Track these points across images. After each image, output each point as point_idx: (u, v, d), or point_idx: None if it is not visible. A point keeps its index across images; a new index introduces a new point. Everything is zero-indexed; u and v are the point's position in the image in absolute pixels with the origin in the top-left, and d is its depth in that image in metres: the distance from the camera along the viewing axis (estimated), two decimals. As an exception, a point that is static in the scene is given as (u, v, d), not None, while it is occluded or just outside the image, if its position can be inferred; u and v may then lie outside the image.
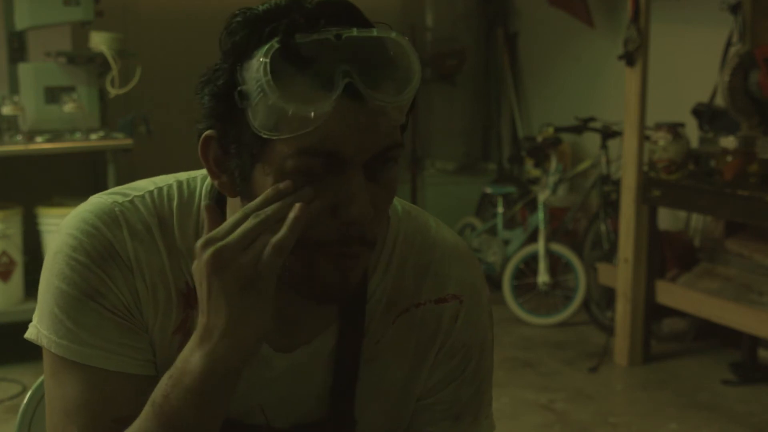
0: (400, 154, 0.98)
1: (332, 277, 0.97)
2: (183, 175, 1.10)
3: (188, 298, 1.04)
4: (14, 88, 4.30)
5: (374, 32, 0.94)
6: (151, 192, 1.07)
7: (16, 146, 4.04)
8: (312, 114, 0.90)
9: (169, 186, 1.08)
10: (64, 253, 1.02)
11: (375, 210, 0.96)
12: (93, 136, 4.16)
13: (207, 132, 0.98)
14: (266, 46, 0.91)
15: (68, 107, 4.13)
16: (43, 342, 1.03)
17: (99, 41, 4.22)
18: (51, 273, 1.03)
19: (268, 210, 0.92)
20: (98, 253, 1.01)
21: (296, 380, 1.09)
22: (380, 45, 0.94)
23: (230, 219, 0.93)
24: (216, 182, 1.00)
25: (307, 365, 1.08)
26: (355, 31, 0.92)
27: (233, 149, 0.96)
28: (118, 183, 4.21)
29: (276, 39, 0.91)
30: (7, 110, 4.09)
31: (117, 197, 1.06)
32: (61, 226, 1.05)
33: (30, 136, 4.10)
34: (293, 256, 0.95)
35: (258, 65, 0.91)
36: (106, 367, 1.01)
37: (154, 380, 0.99)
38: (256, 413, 1.09)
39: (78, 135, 4.16)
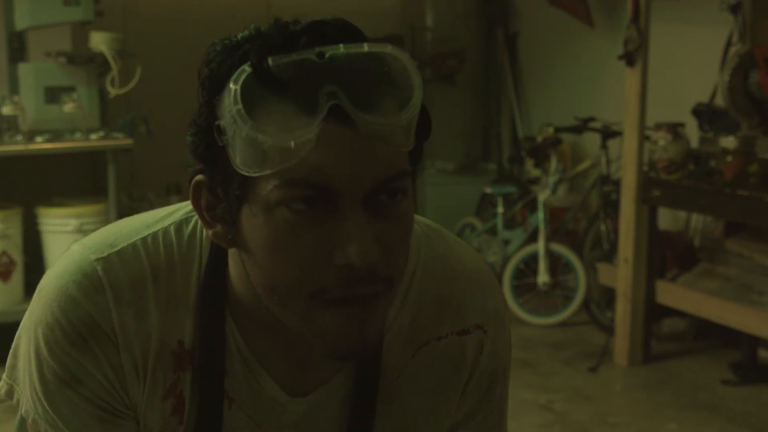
0: (410, 185, 0.86)
1: (339, 332, 0.85)
2: (179, 213, 0.99)
3: (180, 358, 0.96)
4: (14, 88, 4.30)
5: (365, 47, 0.82)
6: (144, 239, 0.96)
7: (16, 146, 4.04)
8: (292, 144, 0.79)
9: (165, 230, 0.97)
10: (42, 331, 0.94)
11: (385, 248, 0.83)
12: (93, 136, 4.16)
13: (196, 177, 0.89)
14: (237, 72, 0.81)
15: (68, 107, 4.13)
16: (22, 409, 0.98)
17: (99, 41, 4.22)
18: (30, 344, 0.96)
19: None
20: (77, 332, 0.92)
21: (314, 423, 1.02)
22: (373, 61, 0.82)
23: None
24: (210, 233, 0.90)
25: (324, 407, 1.02)
26: (341, 48, 0.81)
27: (221, 193, 0.87)
28: (118, 183, 4.24)
29: (247, 63, 0.81)
30: (7, 110, 4.09)
31: (101, 251, 0.95)
32: (41, 290, 0.97)
33: (30, 136, 4.10)
34: (291, 312, 0.87)
35: (229, 94, 0.81)
36: None
37: None
38: None
39: (78, 135, 4.16)
